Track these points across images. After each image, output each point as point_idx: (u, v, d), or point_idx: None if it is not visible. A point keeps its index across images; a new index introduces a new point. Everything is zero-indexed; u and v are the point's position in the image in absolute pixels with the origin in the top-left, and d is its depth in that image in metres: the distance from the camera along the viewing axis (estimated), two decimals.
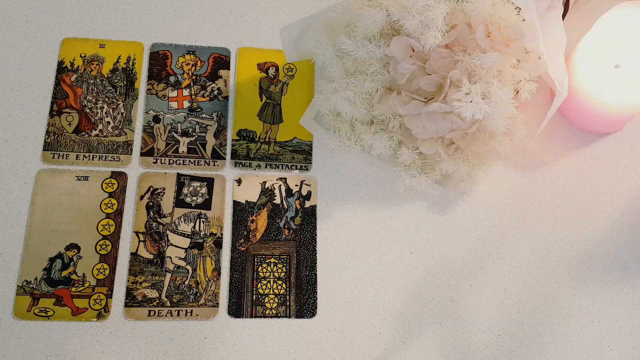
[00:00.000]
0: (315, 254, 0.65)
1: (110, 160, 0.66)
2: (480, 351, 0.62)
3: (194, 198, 0.66)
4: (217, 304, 0.62)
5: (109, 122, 0.68)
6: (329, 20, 0.64)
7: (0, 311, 0.59)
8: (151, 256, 0.63)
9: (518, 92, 0.63)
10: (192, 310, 0.61)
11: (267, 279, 0.63)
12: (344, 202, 0.67)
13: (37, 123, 0.67)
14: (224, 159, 0.68)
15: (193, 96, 0.70)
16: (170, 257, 0.63)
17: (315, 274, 0.64)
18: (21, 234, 0.62)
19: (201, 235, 0.64)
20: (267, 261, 0.64)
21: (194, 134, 0.68)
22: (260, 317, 0.62)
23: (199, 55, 0.72)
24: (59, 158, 0.65)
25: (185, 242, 0.64)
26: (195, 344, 0.60)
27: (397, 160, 0.66)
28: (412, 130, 0.63)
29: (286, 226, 0.66)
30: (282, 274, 0.64)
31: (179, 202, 0.65)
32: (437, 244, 0.66)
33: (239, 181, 0.67)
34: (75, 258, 0.62)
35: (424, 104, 0.61)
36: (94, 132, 0.67)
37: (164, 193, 0.65)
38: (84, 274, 0.61)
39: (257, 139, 0.69)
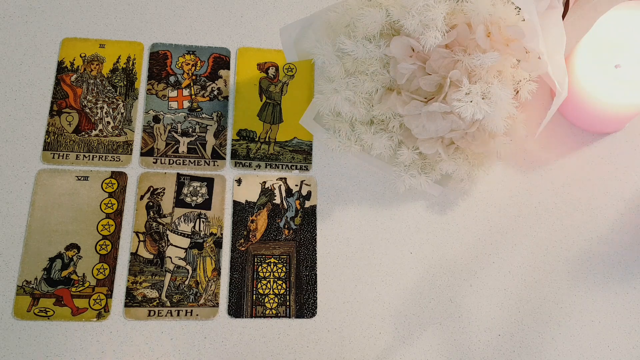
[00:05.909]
0: (315, 254, 0.65)
1: (110, 160, 0.66)
2: (480, 351, 0.62)
3: (194, 198, 0.66)
4: (217, 304, 0.62)
5: (109, 122, 0.68)
6: (329, 20, 0.64)
7: (0, 311, 0.59)
8: (151, 256, 0.63)
9: (518, 92, 0.63)
10: (192, 310, 0.61)
11: (267, 279, 0.63)
12: (344, 202, 0.67)
13: (37, 123, 0.67)
14: (224, 159, 0.68)
15: (193, 96, 0.70)
16: (170, 257, 0.63)
17: (315, 274, 0.64)
18: (21, 234, 0.62)
19: (201, 235, 0.64)
20: (267, 261, 0.64)
21: (194, 134, 0.68)
22: (260, 317, 0.62)
23: (199, 55, 0.72)
24: (59, 158, 0.65)
25: (185, 242, 0.64)
26: (195, 344, 0.60)
27: (397, 160, 0.66)
28: (412, 130, 0.63)
29: (286, 226, 0.66)
30: (282, 274, 0.64)
31: (179, 202, 0.65)
32: (437, 244, 0.66)
33: (239, 181, 0.67)
34: (75, 258, 0.62)
35: (424, 104, 0.61)
36: (94, 132, 0.67)
37: (164, 193, 0.65)
38: (84, 274, 0.61)
39: (257, 139, 0.69)
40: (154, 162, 0.67)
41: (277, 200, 0.67)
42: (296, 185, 0.67)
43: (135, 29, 0.72)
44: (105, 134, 0.67)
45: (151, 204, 0.65)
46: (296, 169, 0.68)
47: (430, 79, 0.60)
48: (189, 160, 0.67)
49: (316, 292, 0.63)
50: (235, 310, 0.62)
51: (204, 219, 0.65)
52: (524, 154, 0.71)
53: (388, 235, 0.66)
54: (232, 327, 0.61)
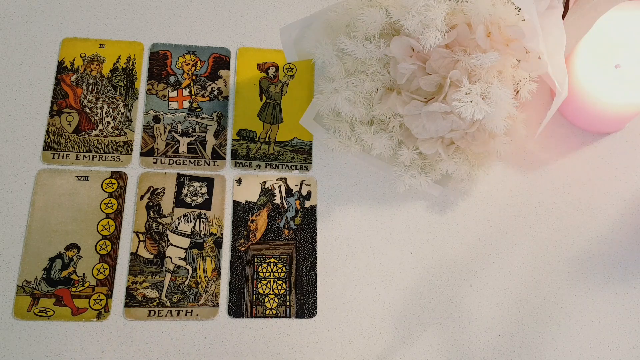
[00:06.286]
0: (315, 254, 0.65)
1: (110, 160, 0.66)
2: (480, 351, 0.62)
3: (194, 198, 0.66)
4: (217, 304, 0.62)
5: (109, 122, 0.68)
6: (329, 20, 0.64)
7: (0, 311, 0.59)
8: (151, 256, 0.63)
9: (518, 92, 0.63)
10: (192, 310, 0.61)
11: (267, 279, 0.63)
12: (344, 202, 0.67)
13: (37, 123, 0.67)
14: (224, 159, 0.68)
15: (193, 96, 0.70)
16: (170, 257, 0.63)
17: (315, 274, 0.64)
18: (21, 234, 0.62)
19: (201, 235, 0.64)
20: (267, 261, 0.64)
21: (194, 134, 0.68)
22: (260, 317, 0.62)
23: (199, 55, 0.72)
24: (59, 158, 0.65)
25: (185, 242, 0.64)
26: (195, 344, 0.60)
27: (397, 160, 0.66)
28: (412, 130, 0.63)
29: (286, 226, 0.66)
30: (282, 274, 0.64)
31: (179, 202, 0.65)
32: (437, 244, 0.66)
33: (239, 181, 0.67)
34: (75, 258, 0.62)
35: (424, 104, 0.61)
36: (94, 132, 0.67)
37: (164, 193, 0.65)
38: (84, 274, 0.61)
39: (257, 139, 0.69)
40: (154, 162, 0.67)
41: (277, 200, 0.67)
42: (296, 185, 0.67)
43: (135, 29, 0.72)
44: (105, 134, 0.67)
45: (151, 204, 0.65)
46: (296, 169, 0.68)
47: (430, 79, 0.60)
48: (189, 160, 0.67)
49: (316, 292, 0.63)
50: (235, 310, 0.62)
51: (204, 219, 0.65)
52: (524, 154, 0.71)
53: (388, 235, 0.66)
54: (232, 327, 0.61)
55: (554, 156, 0.71)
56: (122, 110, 0.68)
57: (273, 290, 0.63)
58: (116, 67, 0.70)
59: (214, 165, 0.67)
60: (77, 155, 0.66)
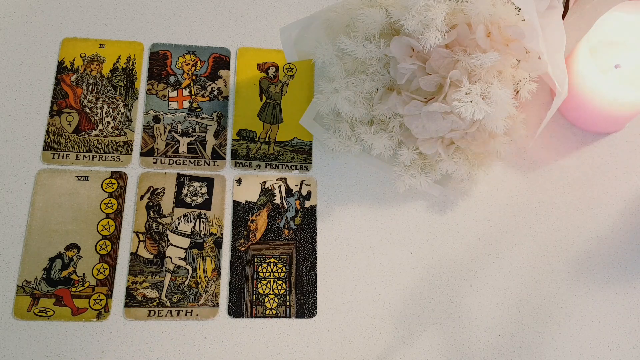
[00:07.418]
0: (315, 254, 0.65)
1: (110, 160, 0.66)
2: (480, 351, 0.62)
3: (194, 198, 0.66)
4: (217, 304, 0.62)
5: (109, 122, 0.68)
6: (329, 20, 0.64)
7: (0, 311, 0.59)
8: (151, 256, 0.63)
9: (518, 92, 0.63)
10: (192, 310, 0.61)
11: (267, 279, 0.63)
12: (344, 202, 0.67)
13: (37, 123, 0.67)
14: (224, 159, 0.68)
15: (193, 96, 0.70)
16: (170, 257, 0.63)
17: (315, 274, 0.64)
18: (21, 234, 0.62)
19: (201, 235, 0.64)
20: (267, 261, 0.64)
21: (194, 134, 0.68)
22: (260, 317, 0.62)
23: (199, 55, 0.72)
24: (59, 158, 0.65)
25: (185, 242, 0.64)
26: (195, 344, 0.60)
27: (397, 160, 0.66)
28: (412, 130, 0.63)
29: (286, 226, 0.66)
30: (282, 274, 0.64)
31: (179, 202, 0.65)
32: (437, 244, 0.66)
33: (239, 181, 0.67)
34: (75, 258, 0.62)
35: (424, 104, 0.61)
36: (94, 132, 0.67)
37: (164, 193, 0.65)
38: (84, 274, 0.61)
39: (257, 139, 0.69)
40: (154, 162, 0.67)
41: (277, 200, 0.67)
42: (296, 185, 0.67)
43: (135, 29, 0.72)
44: (105, 134, 0.67)
45: (151, 204, 0.65)
46: (296, 169, 0.68)
47: (430, 79, 0.60)
48: (189, 160, 0.67)
49: (316, 292, 0.63)
50: (235, 310, 0.62)
51: (204, 219, 0.65)
52: (524, 154, 0.71)
53: (388, 235, 0.66)
54: (232, 327, 0.61)
55: (554, 156, 0.71)
56: (122, 110, 0.68)
57: (273, 290, 0.63)
58: (116, 67, 0.70)
59: (214, 165, 0.67)
60: (77, 155, 0.66)
